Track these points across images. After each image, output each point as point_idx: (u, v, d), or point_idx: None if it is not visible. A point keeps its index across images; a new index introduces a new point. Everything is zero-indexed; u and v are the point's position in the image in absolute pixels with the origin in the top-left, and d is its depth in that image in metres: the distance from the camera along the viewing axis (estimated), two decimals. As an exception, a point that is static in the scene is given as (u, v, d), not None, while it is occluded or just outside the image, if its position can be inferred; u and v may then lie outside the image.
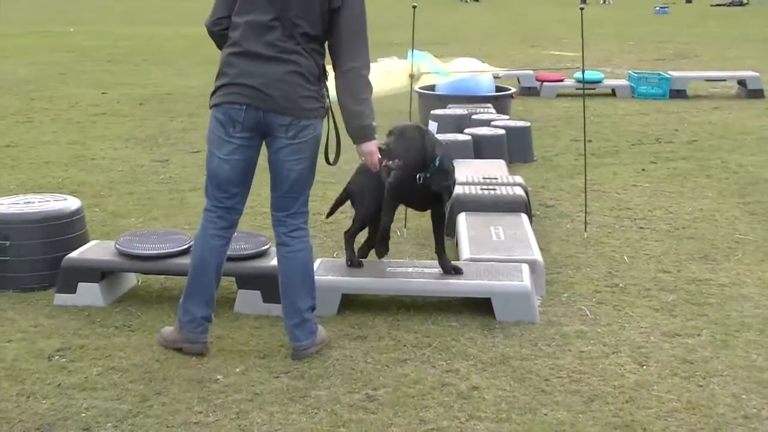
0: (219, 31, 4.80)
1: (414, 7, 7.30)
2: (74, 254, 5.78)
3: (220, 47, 4.85)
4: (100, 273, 5.65)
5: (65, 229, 6.03)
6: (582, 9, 7.21)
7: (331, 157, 5.02)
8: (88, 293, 5.62)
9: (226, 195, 4.87)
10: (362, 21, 4.80)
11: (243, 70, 4.68)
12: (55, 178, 9.13)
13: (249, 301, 5.52)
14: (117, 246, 5.74)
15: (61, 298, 5.65)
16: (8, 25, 29.12)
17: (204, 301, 4.95)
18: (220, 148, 4.78)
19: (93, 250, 5.87)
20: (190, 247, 5.60)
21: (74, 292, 5.62)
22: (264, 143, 4.85)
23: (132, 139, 11.13)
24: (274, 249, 5.46)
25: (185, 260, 5.42)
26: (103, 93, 15.04)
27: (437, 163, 5.50)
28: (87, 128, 11.91)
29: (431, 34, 21.07)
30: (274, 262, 5.48)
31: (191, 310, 4.94)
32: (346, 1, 4.72)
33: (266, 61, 4.66)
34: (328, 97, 4.87)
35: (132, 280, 6.03)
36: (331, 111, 4.89)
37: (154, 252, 5.64)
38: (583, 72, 8.15)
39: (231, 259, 5.47)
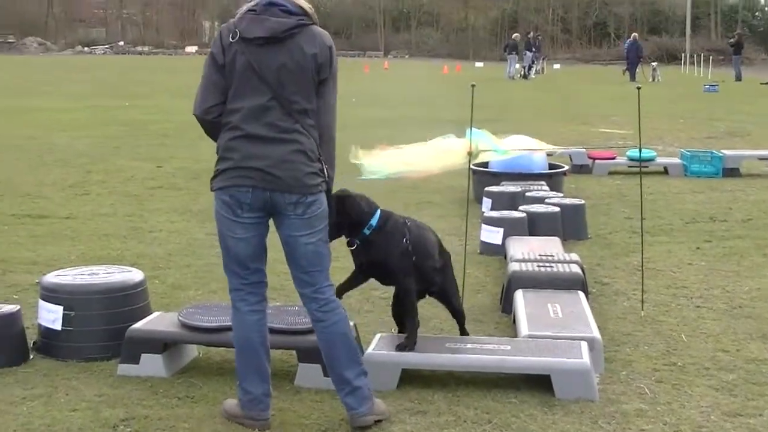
0: (212, 119, 4.85)
1: (473, 85, 7.40)
2: (138, 325, 5.86)
3: (211, 133, 4.92)
4: (163, 344, 5.72)
5: (129, 301, 6.13)
6: (639, 89, 7.28)
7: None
8: (151, 364, 5.69)
9: (249, 271, 4.95)
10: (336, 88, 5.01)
11: (247, 153, 4.76)
12: (114, 249, 9.28)
13: (310, 374, 5.55)
14: (180, 318, 5.83)
15: (125, 369, 5.73)
16: (65, 99, 29.71)
17: (259, 379, 4.99)
18: (231, 229, 4.85)
19: (156, 322, 5.96)
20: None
21: (137, 363, 5.70)
22: (273, 222, 4.93)
23: (188, 212, 11.29)
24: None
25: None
26: (158, 166, 15.28)
27: (373, 224, 5.46)
28: (143, 201, 12.11)
29: (481, 111, 21.19)
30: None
31: (249, 389, 4.98)
32: (332, 71, 4.89)
33: (269, 142, 4.76)
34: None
35: (193, 351, 6.09)
36: (329, 189, 5.01)
37: (216, 324, 5.70)
38: (640, 150, 8.20)
39: (291, 332, 5.55)
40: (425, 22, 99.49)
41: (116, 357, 5.88)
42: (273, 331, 5.52)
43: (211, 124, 4.87)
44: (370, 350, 5.66)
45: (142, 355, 5.70)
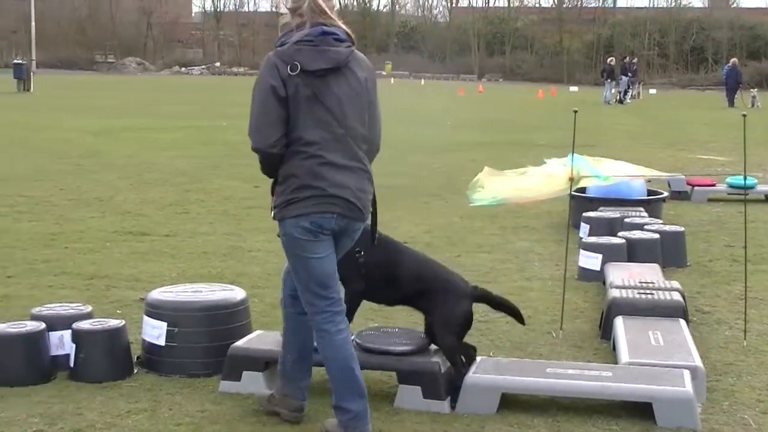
0: (277, 152, 4.85)
1: (575, 111, 7.37)
2: (240, 343, 5.95)
3: (271, 168, 4.94)
4: (265, 362, 5.79)
5: (231, 318, 6.21)
6: (744, 116, 7.19)
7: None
8: (253, 381, 5.76)
9: (331, 290, 5.02)
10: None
11: (334, 181, 4.83)
12: (213, 268, 9.41)
13: (409, 396, 5.56)
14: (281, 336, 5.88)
15: (226, 385, 5.81)
16: (164, 119, 30.23)
17: (358, 395, 5.03)
18: (312, 250, 4.90)
19: (257, 340, 6.03)
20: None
21: (239, 380, 5.78)
22: None
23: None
24: (435, 345, 5.60)
25: None
26: (255, 186, 15.42)
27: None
28: (241, 221, 12.26)
29: (577, 135, 21.06)
30: (435, 358, 5.56)
31: (350, 408, 5.01)
32: (376, 93, 5.05)
33: (350, 171, 4.89)
34: None
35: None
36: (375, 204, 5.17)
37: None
38: (745, 177, 8.11)
39: (391, 353, 5.57)
40: (519, 46, 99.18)
41: (217, 373, 5.97)
42: (372, 351, 5.59)
43: (276, 157, 4.87)
44: (470, 374, 5.65)
45: (244, 372, 5.77)
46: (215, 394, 5.77)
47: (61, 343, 6.15)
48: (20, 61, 54.93)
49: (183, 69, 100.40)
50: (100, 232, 11.22)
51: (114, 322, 6.16)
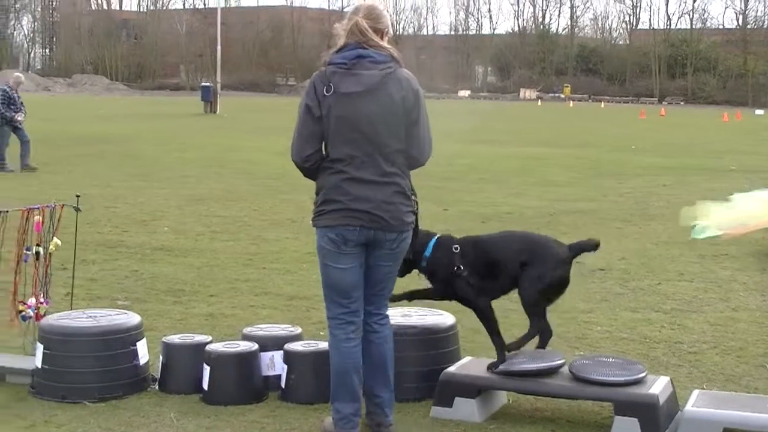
0: (310, 166, 5.24)
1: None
2: (452, 369, 5.91)
3: (310, 176, 5.31)
4: (477, 389, 5.74)
5: (441, 344, 6.19)
6: None
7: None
8: (465, 408, 5.71)
9: (351, 300, 5.29)
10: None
11: (355, 195, 5.14)
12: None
13: (626, 428, 5.41)
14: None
15: (438, 411, 5.78)
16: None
17: (350, 399, 5.31)
18: (337, 261, 5.23)
19: (469, 366, 5.98)
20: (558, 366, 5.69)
21: (450, 406, 5.74)
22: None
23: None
24: (651, 377, 5.48)
25: (559, 381, 5.58)
26: (444, 209, 15.45)
27: (427, 256, 5.82)
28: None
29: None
30: (654, 390, 5.43)
31: (340, 409, 5.31)
32: (420, 111, 5.24)
33: (374, 185, 5.15)
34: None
35: (503, 398, 6.08)
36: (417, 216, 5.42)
37: (532, 368, 5.68)
38: None
39: (609, 384, 5.46)
40: (702, 68, 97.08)
41: (427, 398, 5.96)
42: (589, 382, 5.48)
43: (309, 170, 5.28)
44: (688, 407, 5.48)
45: (456, 398, 5.73)
46: (428, 419, 5.75)
47: (272, 363, 6.25)
48: (207, 84, 56.66)
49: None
50: (295, 253, 11.38)
51: (325, 345, 6.21)
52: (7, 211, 6.62)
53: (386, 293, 5.47)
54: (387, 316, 5.53)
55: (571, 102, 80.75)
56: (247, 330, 6.56)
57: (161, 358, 6.34)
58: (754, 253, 11.65)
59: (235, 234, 12.75)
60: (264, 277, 10.00)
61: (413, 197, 5.35)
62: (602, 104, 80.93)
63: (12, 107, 21.12)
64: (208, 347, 6.15)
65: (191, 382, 6.18)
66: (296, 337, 6.43)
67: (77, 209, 6.90)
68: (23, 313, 6.85)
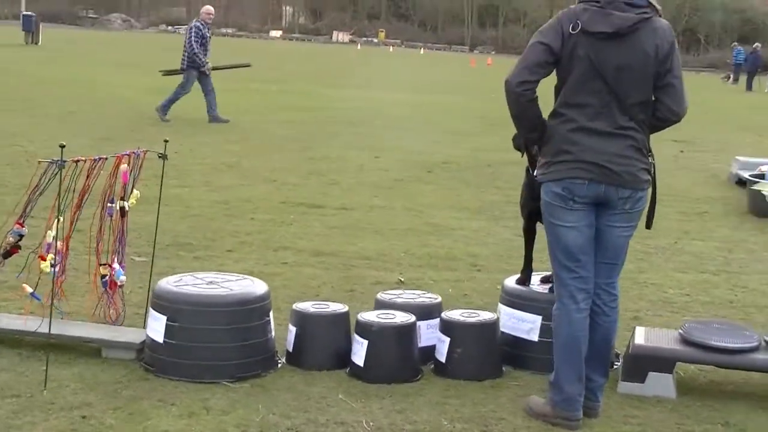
0: (521, 92, 4.75)
1: None
2: (642, 342, 5.48)
3: (515, 106, 4.81)
4: (673, 363, 5.36)
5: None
6: None
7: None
8: (659, 383, 5.32)
9: (579, 263, 4.83)
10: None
11: (586, 146, 4.71)
12: (440, 248, 8.94)
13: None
14: (684, 335, 5.47)
15: (627, 387, 5.37)
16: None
17: (577, 378, 4.87)
18: (563, 218, 4.80)
19: (652, 338, 5.56)
20: (759, 345, 5.35)
21: (642, 382, 5.33)
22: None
23: (465, 209, 10.93)
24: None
25: (760, 356, 5.26)
26: (375, 157, 14.93)
27: None
28: (406, 194, 11.72)
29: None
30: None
31: (566, 389, 4.85)
32: (673, 63, 4.75)
33: (607, 137, 4.71)
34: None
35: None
36: (654, 179, 4.90)
37: (736, 346, 5.33)
38: None
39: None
40: (512, 19, 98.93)
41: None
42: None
43: (518, 95, 4.76)
44: None
45: (650, 373, 5.33)
46: (616, 397, 5.30)
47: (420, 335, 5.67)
48: (30, 13, 53.81)
49: (170, 28, 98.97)
50: (270, 203, 10.77)
51: (486, 315, 5.70)
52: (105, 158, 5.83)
53: (619, 263, 4.96)
54: (617, 297, 5.02)
55: (391, 47, 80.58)
56: (383, 296, 5.96)
57: (293, 328, 5.67)
58: (729, 213, 11.64)
59: (182, 180, 11.82)
60: (264, 230, 9.29)
61: (650, 156, 4.86)
62: (421, 50, 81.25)
63: (204, 48, 18.65)
64: (361, 318, 5.53)
65: (332, 356, 5.56)
66: (438, 306, 5.89)
67: (163, 156, 6.18)
68: (105, 278, 6.10)
